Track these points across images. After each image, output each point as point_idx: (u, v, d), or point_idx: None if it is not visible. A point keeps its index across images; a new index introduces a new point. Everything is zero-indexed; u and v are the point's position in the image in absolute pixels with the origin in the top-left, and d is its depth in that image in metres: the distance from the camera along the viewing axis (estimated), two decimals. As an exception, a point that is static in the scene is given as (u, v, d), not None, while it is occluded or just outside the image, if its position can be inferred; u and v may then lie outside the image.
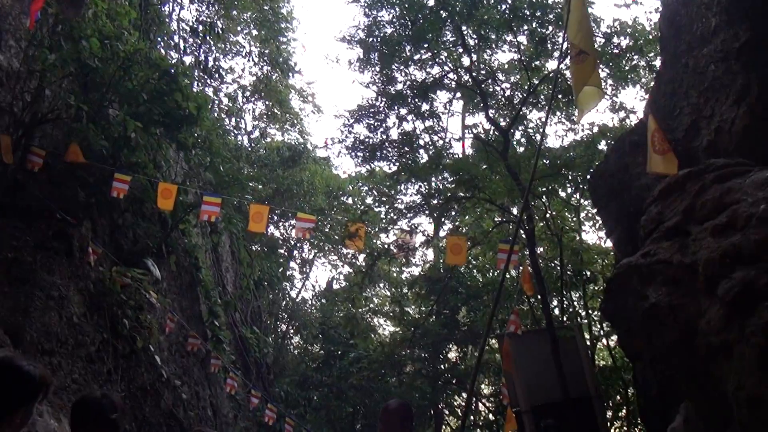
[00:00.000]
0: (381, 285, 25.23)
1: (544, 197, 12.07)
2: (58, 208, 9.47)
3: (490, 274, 15.36)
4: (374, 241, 19.90)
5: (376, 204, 17.80)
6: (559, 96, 11.81)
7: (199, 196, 11.96)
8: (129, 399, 9.55)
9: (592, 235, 23.93)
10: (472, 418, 21.50)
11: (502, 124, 11.91)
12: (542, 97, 12.27)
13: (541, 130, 13.94)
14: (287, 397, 18.56)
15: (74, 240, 9.73)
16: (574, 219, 15.23)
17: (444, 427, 20.83)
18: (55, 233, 9.41)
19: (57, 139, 10.25)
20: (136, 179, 10.36)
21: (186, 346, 12.31)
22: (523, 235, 12.97)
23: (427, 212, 14.91)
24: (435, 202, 12.51)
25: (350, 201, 26.53)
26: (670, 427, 3.94)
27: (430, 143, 13.66)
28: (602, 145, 12.23)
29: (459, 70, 12.58)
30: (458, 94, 14.56)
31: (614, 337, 15.27)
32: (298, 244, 25.95)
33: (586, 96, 5.04)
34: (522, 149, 13.17)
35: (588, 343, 12.71)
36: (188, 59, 18.07)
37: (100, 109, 10.05)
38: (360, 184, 25.93)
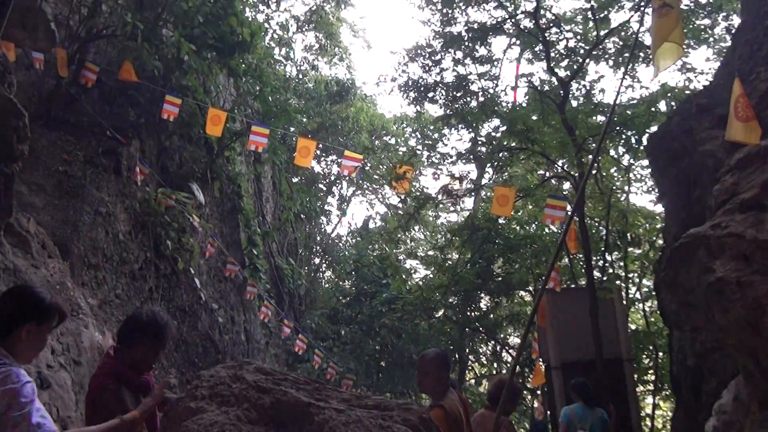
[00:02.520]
0: (416, 228, 25.23)
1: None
2: (108, 125, 9.54)
3: (531, 228, 15.16)
4: (415, 184, 19.78)
5: (420, 147, 17.57)
6: (625, 50, 11.30)
7: (245, 124, 11.92)
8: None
9: (640, 197, 23.33)
10: (496, 365, 21.76)
11: (561, 75, 11.45)
12: (606, 49, 11.74)
13: (597, 84, 13.39)
14: (317, 329, 18.92)
15: (122, 158, 9.83)
16: (622, 178, 14.84)
17: (468, 372, 21.13)
18: (105, 150, 9.51)
19: (110, 57, 10.25)
20: (186, 103, 10.34)
21: (224, 271, 12.53)
22: (566, 191, 12.73)
23: (473, 159, 14.65)
24: (483, 149, 12.23)
25: (393, 141, 26.32)
26: (718, 403, 3.83)
27: (482, 89, 13.27)
28: (662, 106, 11.74)
29: (522, 14, 12.06)
30: (516, 41, 14.04)
31: (650, 302, 15.10)
32: (338, 181, 25.98)
33: (665, 52, 4.74)
34: (576, 103, 12.73)
35: (623, 300, 12.57)
36: (242, -17, 17.77)
37: (154, 28, 9.96)
38: (404, 125, 25.63)
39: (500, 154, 11.10)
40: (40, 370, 5.48)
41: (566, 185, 12.43)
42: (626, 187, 14.88)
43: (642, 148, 11.41)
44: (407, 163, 10.22)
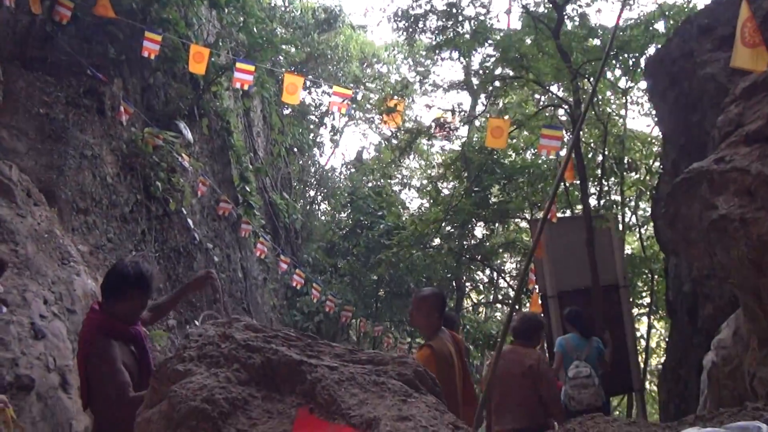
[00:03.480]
0: (410, 157, 24.95)
1: (591, 78, 11.37)
2: (88, 63, 9.21)
3: (527, 155, 14.96)
4: (408, 113, 19.38)
5: (413, 75, 17.08)
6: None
7: (231, 58, 11.54)
8: (163, 260, 9.75)
9: (637, 121, 23.01)
10: (492, 291, 22.02)
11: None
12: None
13: (594, 4, 12.87)
14: (314, 262, 18.99)
15: (105, 98, 9.55)
16: (618, 101, 14.54)
17: (465, 299, 21.39)
18: (86, 90, 9.23)
19: (85, -10, 9.78)
20: (167, 38, 9.95)
21: (217, 210, 12.42)
22: (563, 118, 12.47)
23: (465, 88, 14.29)
24: (475, 79, 11.89)
25: (385, 69, 25.71)
26: (717, 338, 3.80)
27: (474, 16, 12.74)
28: (660, 26, 11.32)
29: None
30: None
31: (646, 228, 15.12)
32: (330, 112, 25.50)
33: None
34: (571, 25, 12.25)
35: (620, 227, 12.55)
36: None
37: (129, -42, 9.48)
38: (396, 52, 24.97)
39: (494, 83, 10.77)
40: (34, 321, 5.44)
41: (562, 111, 12.14)
42: (623, 111, 14.61)
43: (639, 70, 11.11)
44: (398, 95, 9.91)
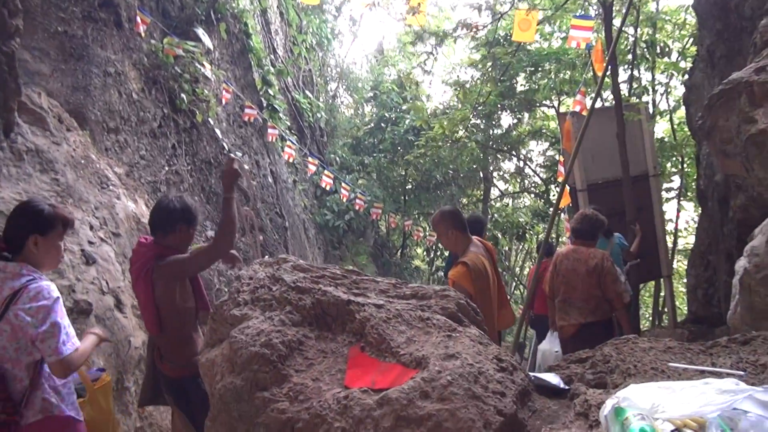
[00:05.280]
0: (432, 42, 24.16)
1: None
2: (98, -27, 8.97)
3: (554, 41, 14.43)
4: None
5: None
6: None
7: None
8: (195, 172, 9.90)
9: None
10: (519, 180, 22.02)
11: None
12: None
13: None
14: (341, 161, 19.07)
15: (121, 9, 9.35)
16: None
17: (492, 189, 21.49)
18: (101, 2, 9.04)
19: None
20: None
21: (243, 116, 12.40)
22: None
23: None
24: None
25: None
26: (750, 245, 3.84)
27: None
28: None
29: None
30: None
31: (677, 113, 14.74)
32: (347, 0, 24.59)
33: None
34: None
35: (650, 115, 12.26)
36: None
37: None
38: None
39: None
40: (83, 248, 5.67)
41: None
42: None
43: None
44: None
